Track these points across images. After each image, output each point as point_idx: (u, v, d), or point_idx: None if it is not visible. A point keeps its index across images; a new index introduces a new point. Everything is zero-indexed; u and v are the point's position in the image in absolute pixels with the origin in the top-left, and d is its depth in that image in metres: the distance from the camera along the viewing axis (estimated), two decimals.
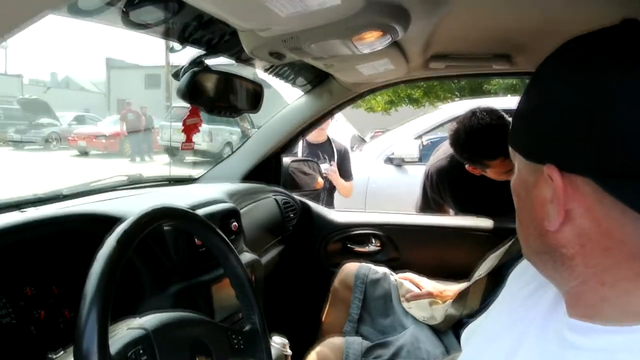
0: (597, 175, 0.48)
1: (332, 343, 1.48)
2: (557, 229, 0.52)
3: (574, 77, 0.52)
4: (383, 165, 4.43)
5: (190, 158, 14.00)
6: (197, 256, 1.21)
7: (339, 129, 7.57)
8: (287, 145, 2.15)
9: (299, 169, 2.83)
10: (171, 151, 13.44)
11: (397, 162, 4.36)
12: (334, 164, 3.23)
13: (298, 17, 0.95)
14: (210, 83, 1.21)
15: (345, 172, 3.29)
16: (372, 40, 1.15)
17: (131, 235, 0.74)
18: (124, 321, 0.81)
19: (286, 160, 2.58)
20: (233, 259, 0.95)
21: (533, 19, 1.28)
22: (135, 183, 1.82)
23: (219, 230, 0.94)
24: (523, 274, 0.73)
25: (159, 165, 13.66)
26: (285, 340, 1.35)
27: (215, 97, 1.23)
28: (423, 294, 1.71)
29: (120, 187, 1.71)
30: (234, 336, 0.91)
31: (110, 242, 0.71)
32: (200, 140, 13.46)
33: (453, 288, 1.72)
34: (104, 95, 31.73)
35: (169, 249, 1.17)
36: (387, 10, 1.07)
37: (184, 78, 1.15)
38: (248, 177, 2.10)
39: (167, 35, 1.15)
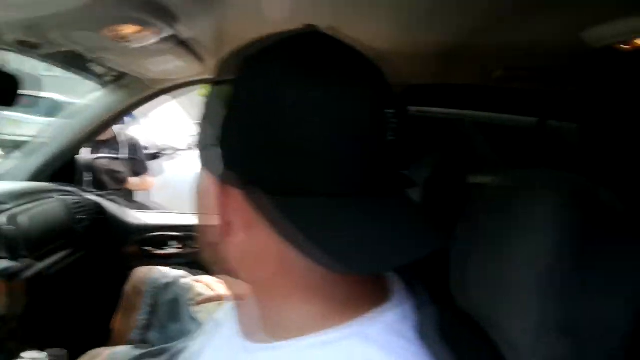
0: (248, 189, 0.45)
1: (92, 356, 1.36)
2: (221, 240, 0.49)
3: (241, 85, 0.46)
4: None
5: None
6: None
7: (179, 128, 7.34)
8: (82, 143, 2.00)
9: (107, 166, 2.66)
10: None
11: None
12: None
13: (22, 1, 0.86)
14: None
15: (138, 166, 3.10)
16: (129, 34, 1.10)
17: None
18: None
19: (91, 157, 2.41)
20: None
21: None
22: None
23: None
24: None
25: None
26: (42, 355, 1.22)
27: None
28: (213, 297, 1.67)
29: None
30: None
31: None
32: None
33: None
34: None
35: None
36: (140, 5, 1.02)
37: None
38: (39, 175, 1.92)
39: None
